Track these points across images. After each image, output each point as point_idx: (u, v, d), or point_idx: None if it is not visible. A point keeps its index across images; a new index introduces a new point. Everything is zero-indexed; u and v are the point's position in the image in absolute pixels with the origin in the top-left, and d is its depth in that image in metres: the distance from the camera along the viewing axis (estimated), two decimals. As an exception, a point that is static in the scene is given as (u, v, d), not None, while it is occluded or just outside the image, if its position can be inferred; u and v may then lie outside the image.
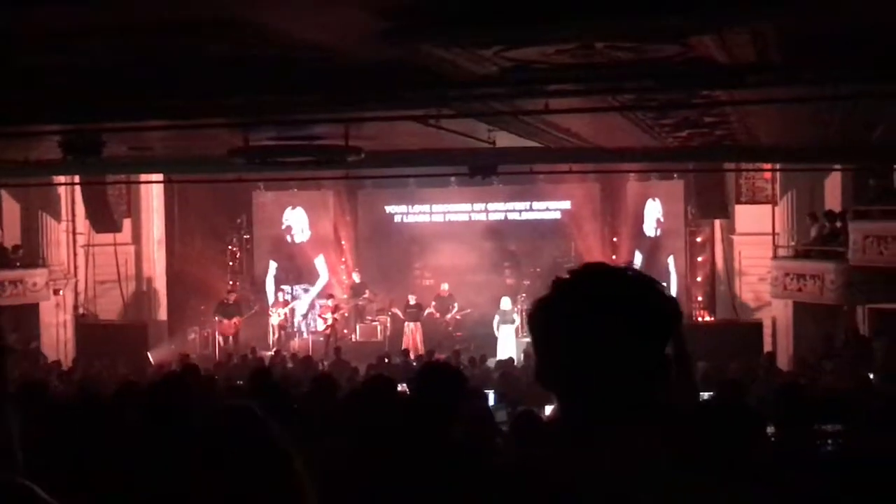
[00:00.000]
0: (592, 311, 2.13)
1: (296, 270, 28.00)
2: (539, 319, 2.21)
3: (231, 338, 24.97)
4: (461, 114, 11.89)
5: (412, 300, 25.47)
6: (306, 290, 27.83)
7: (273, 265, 28.25)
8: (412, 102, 11.17)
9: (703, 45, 7.87)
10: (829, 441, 6.51)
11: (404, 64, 9.06)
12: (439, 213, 28.39)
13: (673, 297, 2.27)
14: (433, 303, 25.76)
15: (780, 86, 9.65)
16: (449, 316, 25.64)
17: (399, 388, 7.07)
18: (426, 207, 28.40)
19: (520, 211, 28.14)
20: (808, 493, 4.69)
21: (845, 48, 8.23)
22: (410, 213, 28.57)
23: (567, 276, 2.21)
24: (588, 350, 2.11)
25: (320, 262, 28.06)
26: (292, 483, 2.57)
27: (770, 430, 6.95)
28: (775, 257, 22.73)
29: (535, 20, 6.70)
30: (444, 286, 26.04)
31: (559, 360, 2.16)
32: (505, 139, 14.64)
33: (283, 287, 27.56)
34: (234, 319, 25.11)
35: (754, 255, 23.74)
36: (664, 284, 2.45)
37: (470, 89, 10.14)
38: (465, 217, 28.17)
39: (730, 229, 24.67)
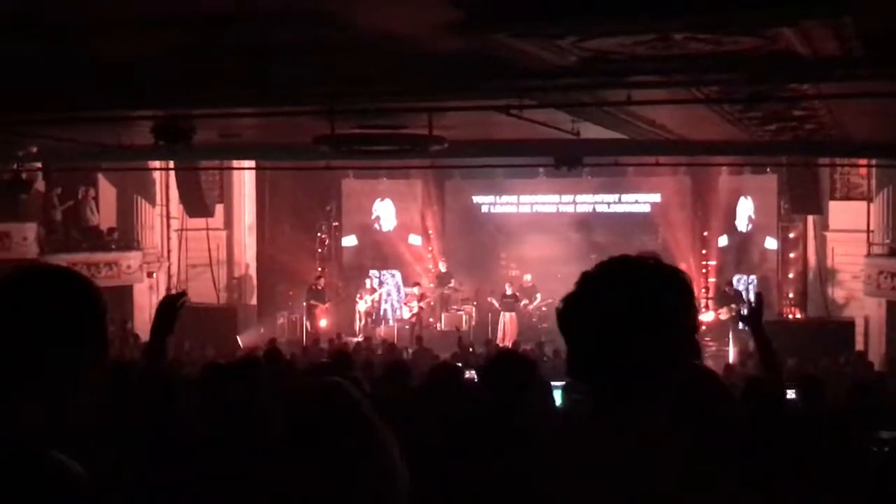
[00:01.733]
0: (617, 300, 2.18)
1: (382, 257, 28.20)
2: (567, 312, 2.26)
3: (317, 323, 25.27)
4: (542, 104, 11.86)
5: (508, 290, 25.44)
6: (393, 275, 28.01)
7: (360, 249, 28.48)
8: (492, 92, 11.18)
9: (783, 37, 7.74)
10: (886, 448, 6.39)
11: (483, 54, 9.07)
12: (526, 204, 28.35)
13: (690, 285, 2.28)
14: (517, 294, 25.76)
15: (865, 80, 9.42)
16: (532, 307, 25.60)
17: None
18: (513, 198, 28.38)
19: (608, 203, 27.93)
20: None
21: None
22: (498, 204, 28.57)
23: (594, 271, 2.27)
24: (613, 339, 2.17)
25: (406, 250, 28.24)
26: (380, 451, 2.62)
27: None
28: (869, 255, 22.26)
29: (607, 12, 6.66)
30: (527, 277, 26.03)
31: (587, 351, 2.22)
32: (589, 130, 14.55)
33: (371, 273, 27.80)
34: (326, 305, 25.41)
35: (848, 252, 23.24)
36: (687, 274, 2.44)
37: (549, 79, 10.10)
38: (552, 208, 28.08)
39: (823, 226, 24.18)
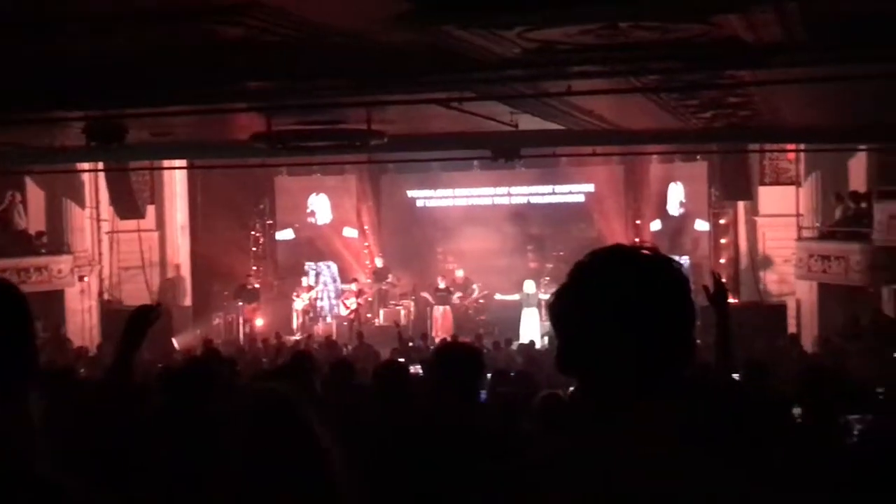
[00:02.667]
0: (610, 294, 2.10)
1: (318, 251, 28.07)
2: (558, 305, 2.19)
3: (253, 323, 25.08)
4: (484, 96, 11.85)
5: (441, 284, 25.45)
6: (329, 267, 27.87)
7: (296, 242, 28.34)
8: (435, 86, 11.15)
9: (728, 24, 7.81)
10: (855, 432, 6.47)
11: (426, 47, 9.03)
12: (462, 198, 28.40)
13: (686, 276, 2.23)
14: (468, 287, 25.86)
15: (807, 66, 9.55)
16: (469, 300, 25.69)
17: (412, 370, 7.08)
18: (449, 192, 28.43)
19: (543, 194, 28.12)
20: (828, 482, 4.66)
21: (871, 27, 8.15)
22: (433, 198, 28.59)
23: (584, 260, 2.19)
24: (606, 333, 2.09)
25: (342, 244, 28.14)
26: (321, 462, 2.56)
27: (796, 411, 6.92)
28: (799, 239, 22.63)
29: (557, 1, 6.66)
30: (459, 272, 26.14)
31: (579, 345, 2.14)
32: (528, 122, 14.59)
33: (307, 265, 27.66)
34: (253, 305, 25.21)
35: (778, 236, 23.63)
36: (682, 263, 2.42)
37: (492, 72, 10.09)
38: (488, 201, 28.18)
39: (753, 211, 24.55)
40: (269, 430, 2.57)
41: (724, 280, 6.07)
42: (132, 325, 5.10)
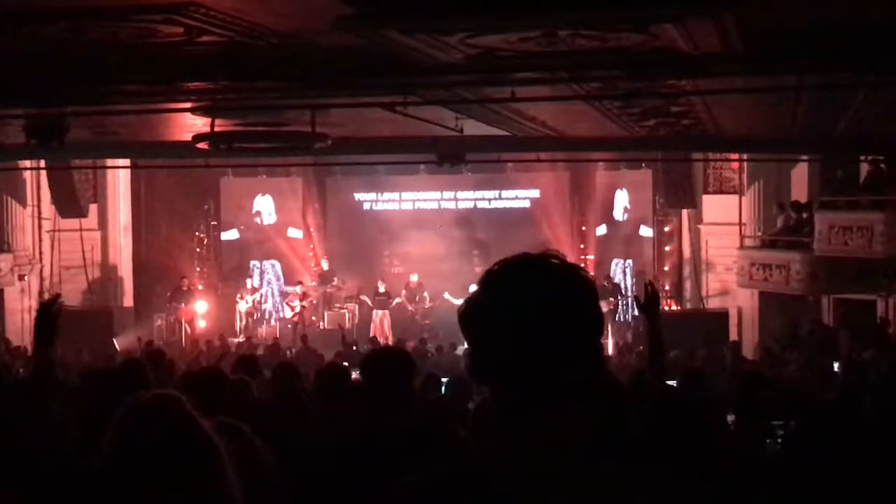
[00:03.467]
0: (516, 301, 2.12)
1: (264, 251, 27.92)
2: (469, 315, 2.19)
3: (193, 324, 24.88)
4: (428, 101, 11.86)
5: (381, 288, 25.46)
6: (273, 266, 27.72)
7: (242, 240, 28.18)
8: (378, 89, 11.14)
9: (666, 34, 7.87)
10: (778, 438, 6.56)
11: (370, 50, 9.01)
12: (408, 201, 28.40)
13: (594, 283, 2.24)
14: (403, 292, 25.79)
15: (744, 76, 9.66)
16: (418, 305, 25.69)
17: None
18: (395, 195, 28.41)
19: (489, 199, 28.21)
20: (746, 489, 4.71)
21: (808, 39, 8.27)
22: (380, 201, 28.56)
23: (493, 268, 2.20)
24: (516, 340, 2.10)
25: (287, 245, 28.02)
26: (213, 475, 2.53)
27: (731, 418, 7.01)
28: (742, 247, 22.85)
29: (497, 8, 6.67)
30: (414, 277, 26.10)
31: (490, 350, 2.15)
32: (473, 127, 14.62)
33: (252, 263, 27.54)
34: (183, 306, 25.01)
35: (721, 244, 23.87)
36: (589, 272, 2.41)
37: (435, 76, 10.11)
38: (434, 205, 28.20)
39: (697, 219, 24.78)
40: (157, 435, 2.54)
41: (657, 289, 6.11)
42: (39, 322, 5.07)
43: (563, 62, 9.38)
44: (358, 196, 28.56)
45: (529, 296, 2.12)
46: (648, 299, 5.93)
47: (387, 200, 28.50)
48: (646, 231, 26.35)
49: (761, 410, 7.27)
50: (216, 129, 14.07)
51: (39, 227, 25.01)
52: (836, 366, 16.61)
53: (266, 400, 7.76)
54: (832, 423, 5.96)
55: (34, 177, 24.24)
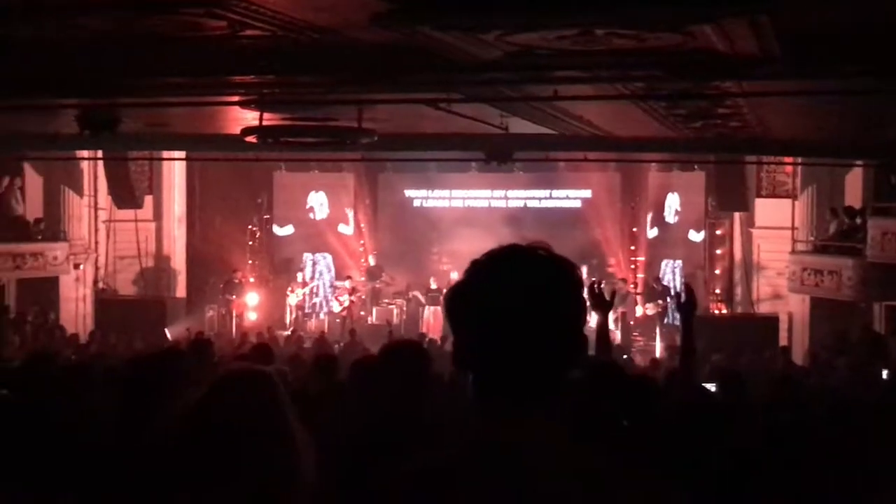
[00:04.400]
0: (505, 292, 2.14)
1: (316, 245, 28.16)
2: (454, 303, 2.23)
3: (244, 317, 25.17)
4: (470, 98, 11.90)
5: (433, 284, 25.52)
6: (325, 257, 27.98)
7: (297, 236, 28.40)
8: (420, 86, 11.20)
9: (704, 35, 7.85)
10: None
11: (411, 46, 9.08)
12: (459, 199, 28.41)
13: (580, 278, 2.27)
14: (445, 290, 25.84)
15: (785, 79, 9.58)
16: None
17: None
18: (445, 192, 28.43)
19: (539, 199, 28.12)
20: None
21: (848, 43, 8.18)
22: (430, 198, 28.59)
23: (480, 259, 2.23)
24: (500, 331, 2.13)
25: (338, 240, 28.20)
26: (289, 443, 2.56)
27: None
28: (794, 252, 22.61)
29: (528, 6, 6.70)
30: (454, 275, 26.13)
31: (473, 340, 2.18)
32: (518, 125, 14.63)
33: (304, 256, 27.82)
34: (240, 298, 25.27)
35: (773, 249, 23.63)
36: (579, 265, 2.41)
37: (476, 74, 10.14)
38: (484, 203, 28.17)
39: (749, 223, 24.55)
40: (249, 407, 2.56)
41: (693, 291, 6.14)
42: None
43: (603, 61, 9.38)
44: (408, 193, 28.62)
45: (513, 285, 2.14)
46: (686, 300, 5.95)
47: (437, 198, 28.53)
48: (695, 235, 26.12)
49: (795, 413, 7.21)
50: (264, 123, 14.23)
51: (95, 217, 25.38)
52: (885, 373, 16.43)
53: (304, 388, 7.89)
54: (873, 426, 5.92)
55: (91, 167, 24.62)
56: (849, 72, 8.98)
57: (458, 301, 2.22)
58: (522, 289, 2.14)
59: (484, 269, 2.21)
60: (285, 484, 2.51)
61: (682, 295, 6.09)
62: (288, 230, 28.63)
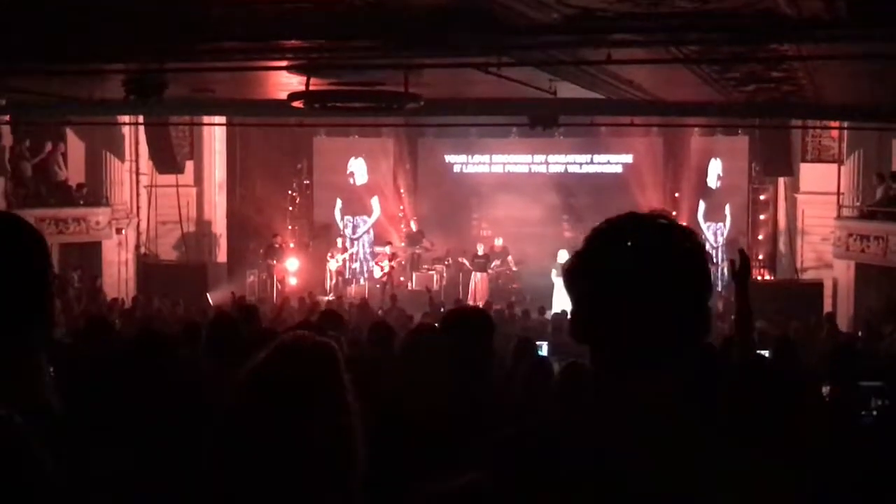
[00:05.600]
0: (628, 262, 2.08)
1: (357, 205, 28.15)
2: (575, 273, 2.17)
3: (285, 281, 25.24)
4: (522, 62, 11.76)
5: (480, 250, 25.48)
6: (365, 221, 27.96)
7: (339, 202, 28.36)
8: (472, 50, 11.08)
9: (769, -5, 7.69)
10: (874, 411, 6.43)
11: (464, 9, 8.97)
12: (499, 164, 28.30)
13: (704, 247, 2.19)
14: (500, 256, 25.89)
15: (847, 42, 9.38)
16: (503, 268, 25.75)
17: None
18: (486, 158, 28.33)
19: (580, 164, 27.97)
20: (838, 463, 4.61)
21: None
22: (470, 164, 28.50)
23: (600, 227, 2.16)
24: (623, 302, 2.06)
25: (375, 202, 28.18)
26: (345, 421, 2.52)
27: (825, 390, 6.88)
28: (839, 217, 22.39)
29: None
30: (498, 241, 26.12)
31: (594, 312, 2.12)
32: (566, 90, 14.48)
33: (345, 219, 27.81)
34: (281, 263, 25.33)
35: (818, 214, 23.37)
36: (702, 237, 2.36)
37: (531, 37, 10.01)
38: (525, 169, 28.06)
39: (794, 188, 24.29)
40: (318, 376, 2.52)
41: (747, 256, 6.03)
42: None
43: (660, 23, 9.23)
44: (448, 158, 28.53)
45: (640, 252, 2.08)
46: (741, 266, 5.84)
47: (477, 163, 28.43)
48: (740, 200, 25.90)
49: (856, 381, 7.12)
50: (311, 88, 14.16)
51: (137, 182, 25.47)
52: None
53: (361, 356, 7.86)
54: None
55: (132, 132, 24.68)
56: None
57: (574, 268, 2.16)
58: (646, 256, 2.07)
59: (605, 237, 2.14)
60: (341, 456, 2.48)
61: (737, 261, 5.99)
62: (329, 195, 28.63)
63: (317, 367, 2.54)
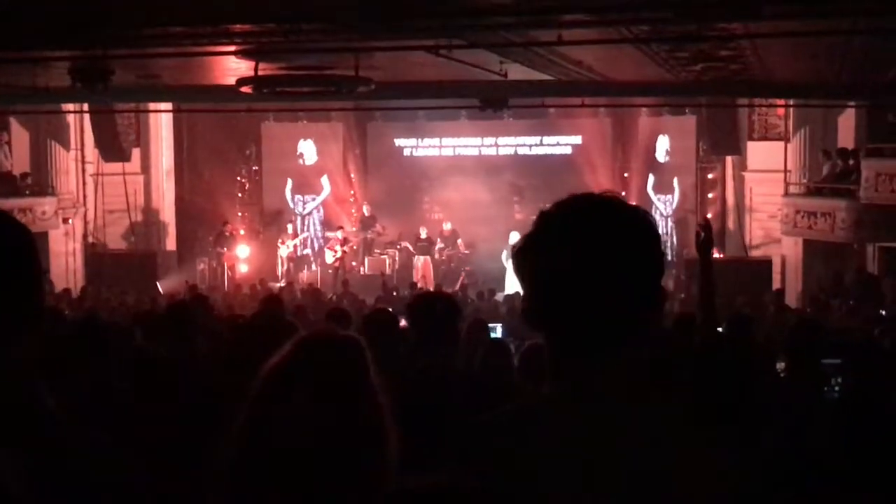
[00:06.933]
0: (578, 243, 2.03)
1: (307, 185, 28.04)
2: (523, 257, 2.12)
3: (235, 269, 25.08)
4: (473, 44, 11.73)
5: (423, 234, 25.48)
6: (314, 199, 27.87)
7: (289, 181, 28.21)
8: (423, 32, 11.04)
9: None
10: (835, 385, 6.50)
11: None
12: (449, 147, 28.27)
13: (657, 227, 2.17)
14: (437, 240, 25.84)
15: (796, 19, 9.47)
16: (452, 252, 25.77)
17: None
18: (436, 141, 28.28)
19: (530, 146, 28.01)
20: (803, 439, 4.67)
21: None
22: (420, 147, 28.43)
23: (550, 209, 2.11)
24: (576, 284, 2.02)
25: (325, 181, 28.07)
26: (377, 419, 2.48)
27: (780, 365, 6.93)
28: (787, 194, 22.62)
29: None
30: (447, 225, 26.13)
31: (547, 294, 2.07)
32: (517, 72, 14.49)
33: (295, 198, 27.74)
34: (232, 251, 25.16)
35: (765, 192, 23.60)
36: (653, 215, 2.33)
37: (481, 19, 9.99)
38: (474, 151, 28.05)
39: (741, 166, 24.51)
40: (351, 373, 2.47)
41: (711, 228, 6.02)
42: None
43: (611, 4, 9.26)
44: (398, 142, 28.44)
45: (593, 234, 2.03)
46: (704, 239, 5.83)
47: (427, 146, 28.37)
48: (688, 178, 26.12)
49: (816, 356, 7.20)
50: (259, 72, 14.05)
51: (83, 170, 25.14)
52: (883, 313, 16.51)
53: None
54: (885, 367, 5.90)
55: (77, 120, 24.36)
56: (861, 10, 8.88)
57: (527, 254, 2.11)
58: (597, 239, 2.02)
59: (552, 219, 2.09)
60: (377, 451, 2.43)
61: (701, 233, 5.98)
62: (278, 180, 28.46)
63: (355, 362, 2.50)
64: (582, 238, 2.03)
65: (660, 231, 2.17)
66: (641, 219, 2.09)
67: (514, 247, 2.17)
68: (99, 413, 4.73)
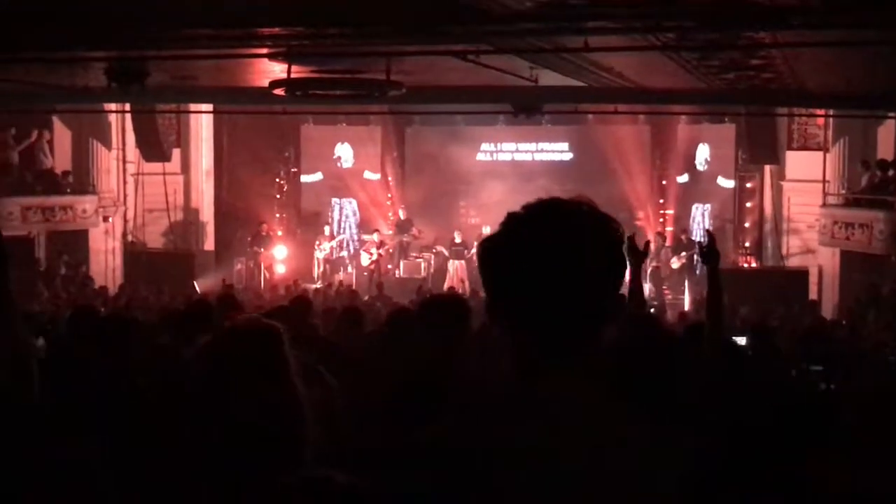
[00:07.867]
0: (540, 246, 2.08)
1: (344, 188, 28.18)
2: (487, 255, 2.17)
3: (272, 269, 25.24)
4: (500, 50, 11.77)
5: (458, 238, 25.48)
6: (350, 203, 28.02)
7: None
8: (450, 37, 11.09)
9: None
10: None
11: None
12: (486, 152, 28.26)
13: (622, 235, 2.21)
14: (475, 243, 25.81)
15: (822, 29, 9.41)
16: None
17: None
18: (474, 146, 28.27)
19: (564, 151, 27.96)
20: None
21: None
22: (458, 152, 28.43)
23: (518, 212, 2.15)
24: (538, 285, 2.07)
25: (366, 190, 28.20)
26: (292, 405, 2.57)
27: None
28: (824, 205, 22.43)
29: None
30: (486, 229, 26.06)
31: (509, 294, 2.12)
32: (548, 78, 14.50)
33: (332, 201, 27.94)
34: (268, 251, 25.32)
35: (803, 202, 23.41)
36: (620, 223, 2.33)
37: (506, 25, 10.02)
38: (511, 157, 28.04)
39: (780, 175, 24.33)
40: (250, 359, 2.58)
41: (714, 238, 6.07)
42: None
43: (636, 11, 9.25)
44: (436, 146, 28.48)
45: (548, 238, 2.08)
46: (709, 248, 5.89)
47: (465, 151, 28.39)
48: (725, 182, 25.93)
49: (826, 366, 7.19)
50: (292, 75, 14.16)
51: (124, 170, 25.44)
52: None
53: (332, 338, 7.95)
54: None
55: (119, 120, 24.66)
56: (884, 21, 8.81)
57: (491, 253, 2.16)
58: (558, 243, 2.07)
59: (519, 222, 2.14)
60: (284, 440, 2.54)
61: (704, 243, 6.03)
62: (316, 176, 28.55)
63: (261, 347, 2.61)
64: (540, 240, 2.08)
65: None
66: (602, 222, 2.14)
67: (478, 244, 2.22)
68: (113, 406, 4.87)
